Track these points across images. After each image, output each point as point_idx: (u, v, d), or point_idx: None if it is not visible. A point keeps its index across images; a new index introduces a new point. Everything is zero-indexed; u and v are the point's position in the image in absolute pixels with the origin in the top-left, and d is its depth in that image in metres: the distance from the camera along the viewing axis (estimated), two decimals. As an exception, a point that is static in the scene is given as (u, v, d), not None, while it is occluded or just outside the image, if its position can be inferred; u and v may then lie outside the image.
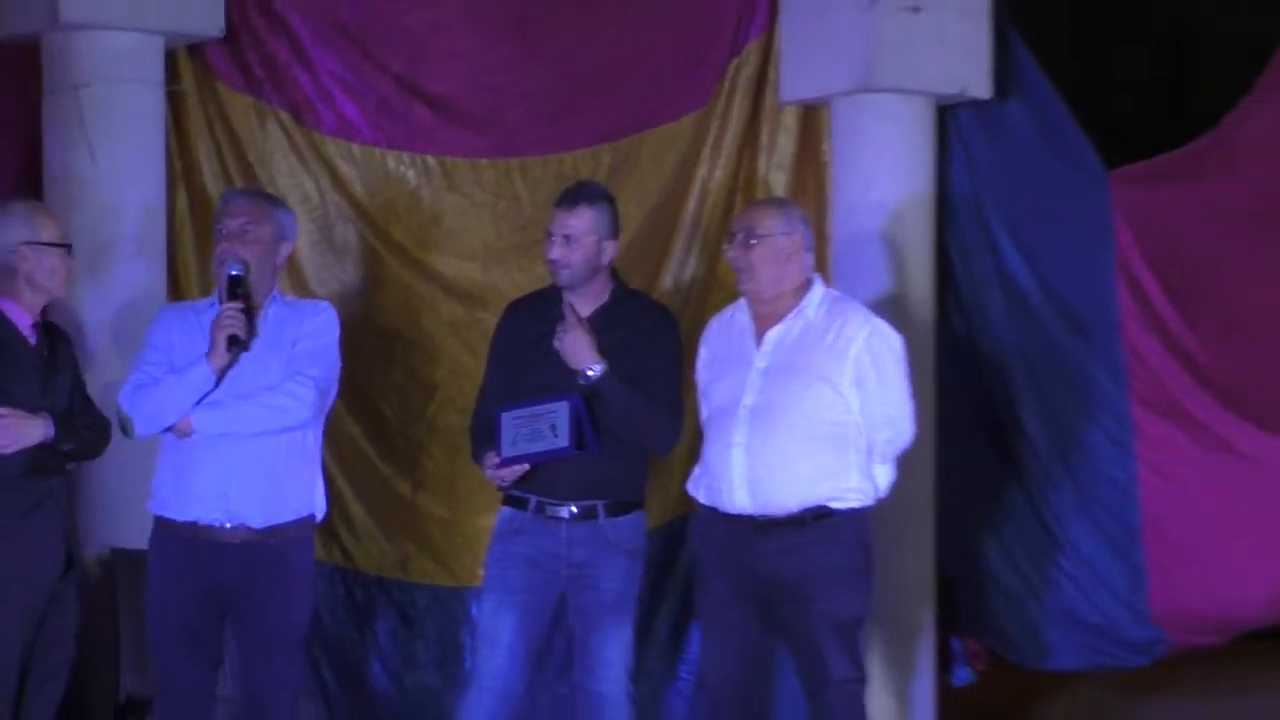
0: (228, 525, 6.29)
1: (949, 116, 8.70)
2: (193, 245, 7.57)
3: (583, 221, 6.65)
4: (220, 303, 6.29)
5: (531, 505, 6.65)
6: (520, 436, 6.54)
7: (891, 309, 7.95)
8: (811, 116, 8.61)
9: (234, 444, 6.27)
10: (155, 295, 7.29)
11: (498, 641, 6.61)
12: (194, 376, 6.23)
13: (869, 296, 7.95)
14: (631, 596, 6.73)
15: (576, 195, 6.73)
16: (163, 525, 6.36)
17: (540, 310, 6.74)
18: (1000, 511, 8.84)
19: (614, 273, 6.78)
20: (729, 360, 6.63)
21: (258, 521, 6.29)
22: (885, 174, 8.44)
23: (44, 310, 6.31)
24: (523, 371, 6.69)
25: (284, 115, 7.71)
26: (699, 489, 6.64)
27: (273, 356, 6.33)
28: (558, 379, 6.57)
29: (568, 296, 6.68)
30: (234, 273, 6.26)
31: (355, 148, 7.83)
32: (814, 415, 6.47)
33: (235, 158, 7.64)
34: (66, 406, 6.30)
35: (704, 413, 6.70)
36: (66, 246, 6.31)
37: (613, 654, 6.66)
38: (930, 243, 8.60)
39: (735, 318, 6.68)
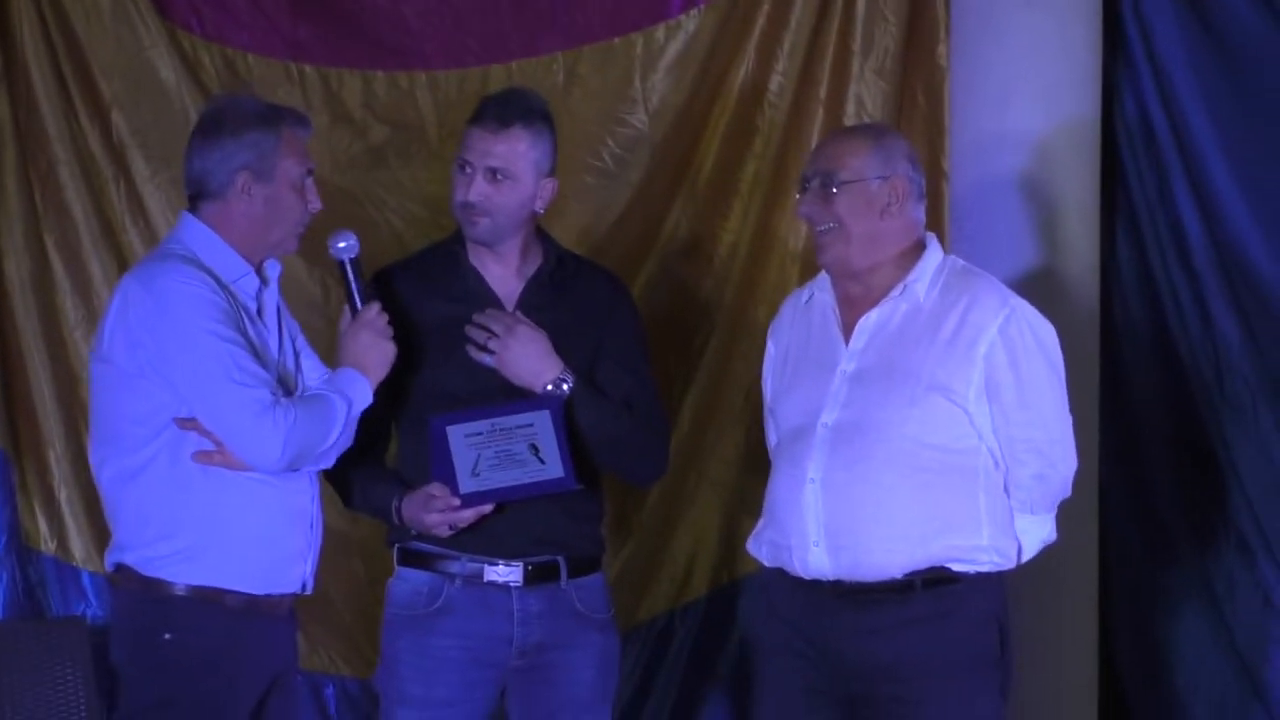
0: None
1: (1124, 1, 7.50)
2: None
3: (516, 149, 5.71)
4: (357, 297, 5.56)
5: (460, 569, 5.63)
6: (484, 462, 5.65)
7: (1038, 287, 6.83)
8: (923, 2, 7.48)
9: None
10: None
11: None
12: (360, 397, 5.44)
13: (1004, 268, 6.79)
14: (610, 689, 5.87)
15: (507, 110, 5.82)
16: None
17: (438, 278, 5.84)
18: (1196, 584, 7.57)
19: (540, 228, 5.95)
20: (805, 361, 5.70)
21: None
22: (1029, 87, 7.18)
23: None
24: (425, 372, 5.75)
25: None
26: (761, 546, 5.73)
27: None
28: (478, 378, 5.67)
29: (476, 260, 5.81)
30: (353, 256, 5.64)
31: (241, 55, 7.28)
32: (924, 440, 5.49)
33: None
34: None
35: (772, 438, 5.85)
36: None
37: None
38: (1095, 189, 7.28)
39: (815, 300, 5.77)
